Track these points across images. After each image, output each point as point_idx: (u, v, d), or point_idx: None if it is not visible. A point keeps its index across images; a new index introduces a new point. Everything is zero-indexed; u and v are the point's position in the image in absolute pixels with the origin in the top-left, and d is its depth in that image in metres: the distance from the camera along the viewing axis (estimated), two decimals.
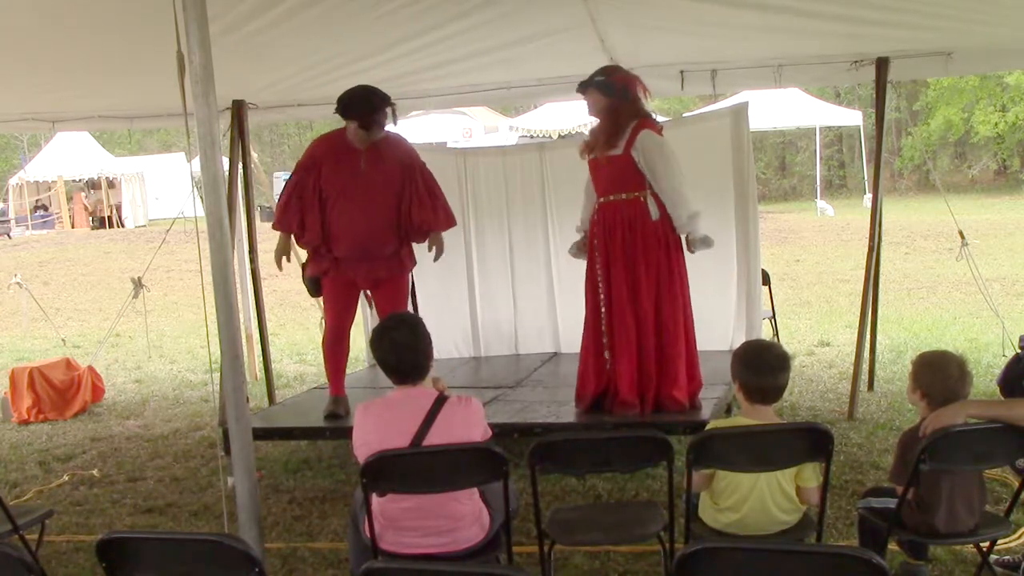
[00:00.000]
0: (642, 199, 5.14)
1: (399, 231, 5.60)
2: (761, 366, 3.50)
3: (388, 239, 5.57)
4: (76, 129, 15.29)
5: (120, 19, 5.14)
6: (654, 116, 5.44)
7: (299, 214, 5.51)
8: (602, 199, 5.25)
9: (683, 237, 5.18)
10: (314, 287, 5.72)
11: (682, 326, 5.22)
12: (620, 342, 5.19)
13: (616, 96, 5.16)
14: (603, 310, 5.24)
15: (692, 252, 5.22)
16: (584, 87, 5.25)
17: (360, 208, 5.45)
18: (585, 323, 5.38)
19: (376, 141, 5.52)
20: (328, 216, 5.48)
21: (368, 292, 5.79)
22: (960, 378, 3.50)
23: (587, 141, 5.32)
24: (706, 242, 5.19)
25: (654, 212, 5.13)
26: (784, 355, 3.58)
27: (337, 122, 5.65)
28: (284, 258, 5.74)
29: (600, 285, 5.25)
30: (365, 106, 5.41)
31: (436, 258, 5.82)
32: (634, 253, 5.14)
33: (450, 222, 5.79)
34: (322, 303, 5.90)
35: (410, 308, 6.11)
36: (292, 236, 5.71)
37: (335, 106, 5.50)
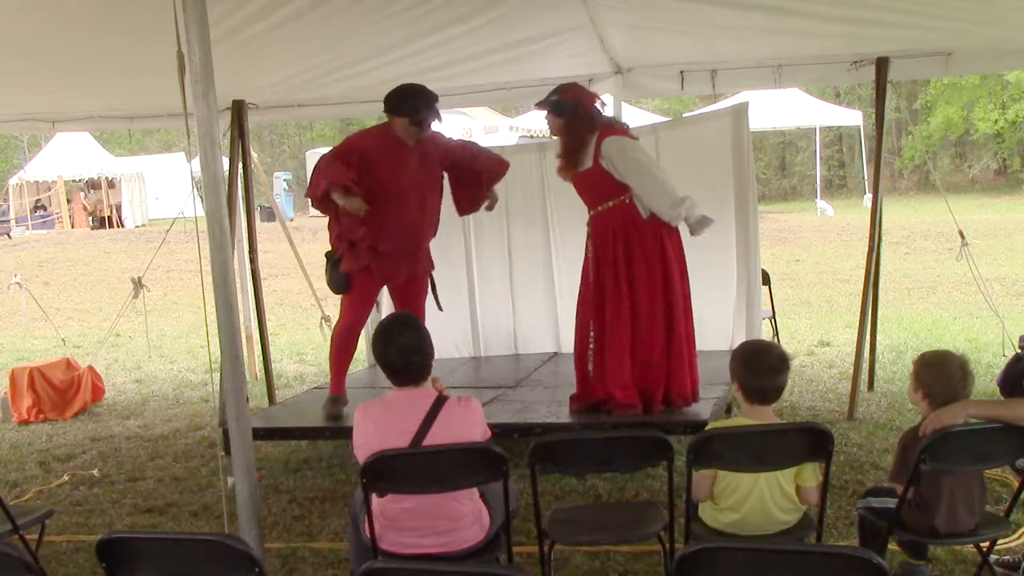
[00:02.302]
0: (627, 201, 5.15)
1: (436, 225, 5.78)
2: (760, 367, 3.50)
3: (430, 234, 5.76)
4: (76, 129, 15.28)
5: (120, 19, 5.15)
6: (619, 123, 5.44)
7: (348, 174, 5.32)
8: (592, 212, 5.29)
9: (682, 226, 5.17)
10: (345, 284, 5.56)
11: (683, 323, 5.23)
12: (613, 346, 5.19)
13: (567, 114, 5.19)
14: (592, 331, 5.24)
15: (694, 236, 5.19)
16: (541, 106, 5.31)
17: (417, 204, 5.52)
18: (576, 330, 5.39)
19: (422, 137, 5.57)
20: (382, 211, 5.42)
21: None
22: (962, 378, 3.50)
23: (559, 165, 5.34)
24: (704, 223, 5.15)
25: (644, 210, 5.14)
26: (783, 355, 3.58)
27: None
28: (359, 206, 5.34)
29: (592, 292, 5.26)
30: (422, 102, 5.45)
31: (492, 206, 5.96)
32: (631, 256, 5.15)
33: (504, 163, 5.96)
34: (340, 300, 5.73)
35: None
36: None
37: (383, 103, 5.49)
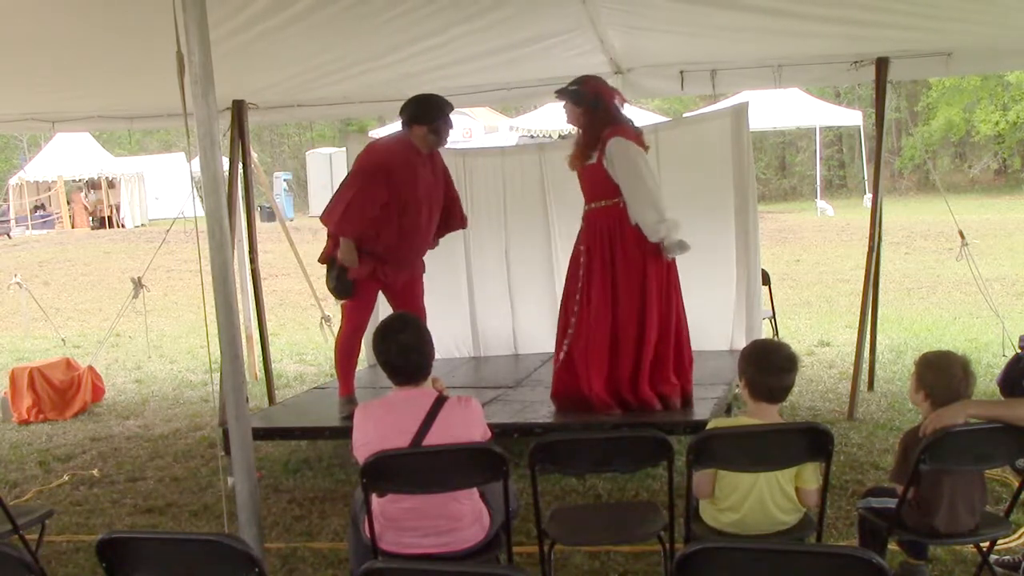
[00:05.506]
0: (620, 205, 5.19)
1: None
2: (769, 366, 3.51)
3: (429, 243, 5.84)
4: (76, 129, 15.24)
5: (120, 19, 5.14)
6: (634, 127, 5.44)
7: (374, 221, 5.44)
8: (586, 207, 5.34)
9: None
10: (352, 290, 5.58)
11: (656, 328, 5.21)
12: (593, 344, 5.22)
13: (586, 105, 5.21)
14: (574, 318, 5.30)
15: (668, 258, 5.19)
16: (560, 94, 5.33)
17: (427, 215, 5.60)
18: (561, 321, 5.45)
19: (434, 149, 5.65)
20: (399, 221, 5.47)
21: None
22: (964, 378, 3.50)
23: (572, 152, 5.38)
24: (681, 247, 5.16)
25: (632, 217, 5.15)
26: (792, 356, 3.58)
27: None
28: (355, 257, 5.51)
29: (579, 288, 5.29)
30: (443, 113, 5.52)
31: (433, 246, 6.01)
32: (613, 258, 5.20)
33: (466, 223, 6.18)
34: (342, 305, 5.76)
35: None
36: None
37: (402, 113, 5.54)
